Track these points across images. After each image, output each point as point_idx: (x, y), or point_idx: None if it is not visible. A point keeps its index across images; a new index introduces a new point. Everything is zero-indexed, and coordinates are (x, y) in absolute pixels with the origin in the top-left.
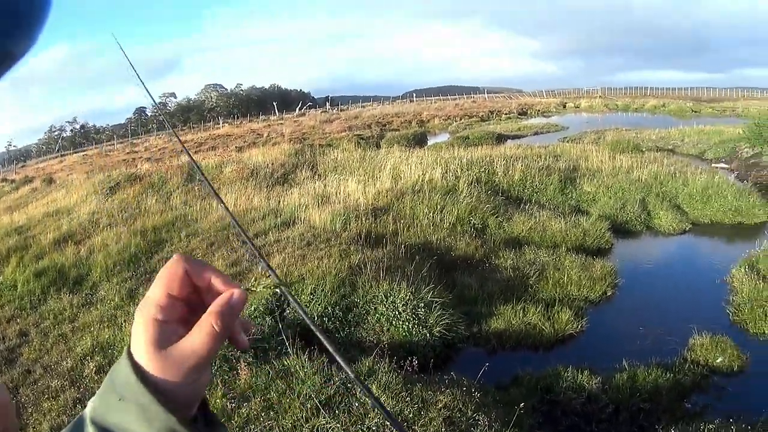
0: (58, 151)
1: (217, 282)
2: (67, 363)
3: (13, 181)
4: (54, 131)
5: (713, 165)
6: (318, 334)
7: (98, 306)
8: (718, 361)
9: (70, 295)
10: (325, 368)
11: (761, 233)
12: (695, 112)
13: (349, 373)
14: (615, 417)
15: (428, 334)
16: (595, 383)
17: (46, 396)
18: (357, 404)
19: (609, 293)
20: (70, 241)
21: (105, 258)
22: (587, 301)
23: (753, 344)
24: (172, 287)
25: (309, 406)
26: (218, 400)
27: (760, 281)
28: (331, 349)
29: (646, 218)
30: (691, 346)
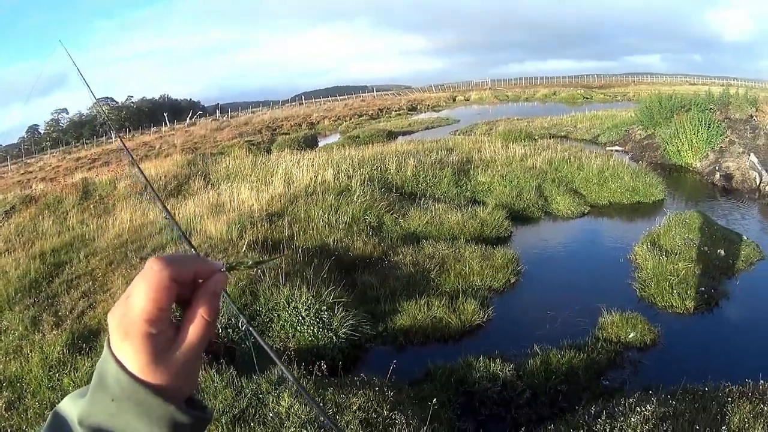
0: None
1: (200, 271)
2: None
3: None
4: None
5: (608, 148)
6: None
7: (2, 338)
8: (630, 336)
9: None
10: (235, 381)
11: (660, 211)
12: (587, 98)
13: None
14: (534, 401)
15: (334, 337)
16: (509, 370)
17: None
18: (271, 414)
19: (513, 281)
20: None
21: (5, 286)
22: (492, 290)
23: (662, 317)
24: (161, 301)
25: (224, 421)
26: None
27: (663, 256)
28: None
29: (544, 204)
30: (602, 324)
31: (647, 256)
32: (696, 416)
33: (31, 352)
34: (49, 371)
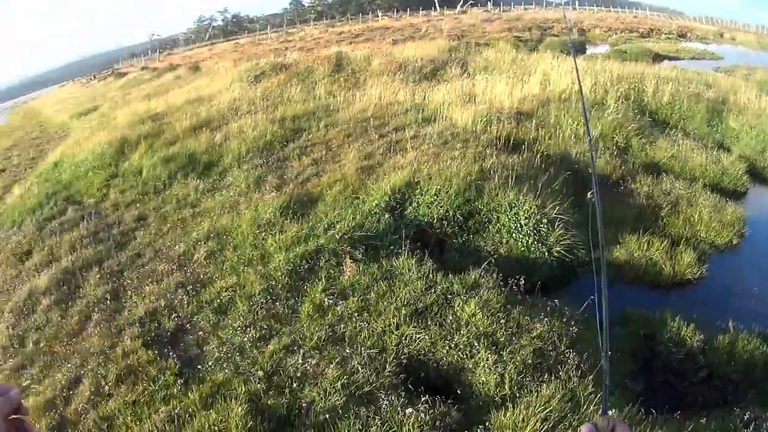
0: (208, 39)
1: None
2: (179, 248)
3: (154, 69)
4: (204, 20)
5: None
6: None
7: (223, 192)
8: None
9: (197, 181)
10: (430, 274)
11: None
12: None
13: None
14: (707, 383)
15: (546, 253)
16: (697, 340)
17: (150, 279)
18: (451, 317)
19: (735, 242)
20: (205, 128)
21: (239, 145)
22: (712, 246)
23: None
24: None
25: (404, 312)
26: (317, 295)
27: None
28: None
29: None
30: None
31: None
32: None
33: (246, 209)
34: (257, 229)
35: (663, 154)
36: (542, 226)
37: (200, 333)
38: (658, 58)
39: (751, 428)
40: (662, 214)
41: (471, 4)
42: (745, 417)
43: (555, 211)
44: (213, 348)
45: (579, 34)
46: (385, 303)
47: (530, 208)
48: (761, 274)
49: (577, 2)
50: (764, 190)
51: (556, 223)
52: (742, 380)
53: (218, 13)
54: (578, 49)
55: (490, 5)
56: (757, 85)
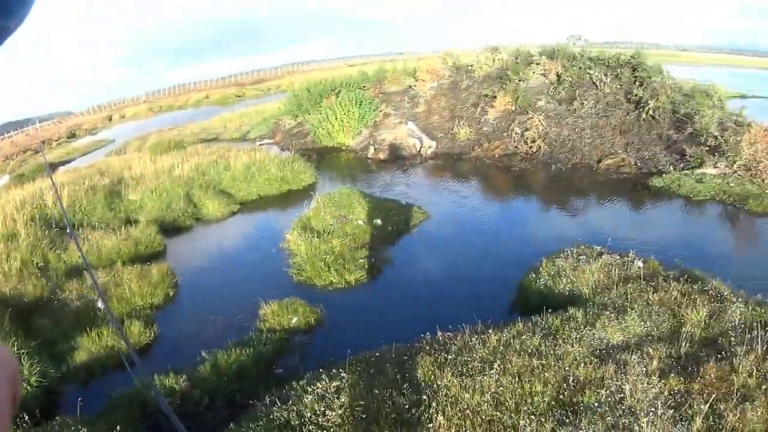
0: None
1: None
2: None
3: None
4: None
5: (258, 143)
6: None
7: None
8: (293, 322)
9: None
10: None
11: (309, 195)
12: (239, 96)
13: None
14: (212, 406)
15: (28, 387)
16: (183, 382)
17: None
18: None
19: (171, 294)
20: None
21: None
22: (153, 308)
23: (324, 297)
24: None
25: None
26: None
27: (316, 238)
28: None
29: (194, 211)
30: (263, 316)
31: (299, 241)
32: (373, 381)
33: None
34: None
35: (78, 254)
36: None
37: None
38: (53, 167)
39: (279, 403)
40: (96, 304)
41: None
42: (267, 401)
43: (15, 350)
44: None
45: None
46: None
47: None
48: (209, 302)
49: None
50: (181, 238)
51: (23, 359)
52: (244, 384)
53: None
54: None
55: None
56: (150, 150)
